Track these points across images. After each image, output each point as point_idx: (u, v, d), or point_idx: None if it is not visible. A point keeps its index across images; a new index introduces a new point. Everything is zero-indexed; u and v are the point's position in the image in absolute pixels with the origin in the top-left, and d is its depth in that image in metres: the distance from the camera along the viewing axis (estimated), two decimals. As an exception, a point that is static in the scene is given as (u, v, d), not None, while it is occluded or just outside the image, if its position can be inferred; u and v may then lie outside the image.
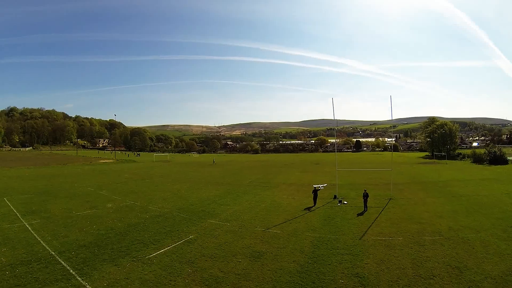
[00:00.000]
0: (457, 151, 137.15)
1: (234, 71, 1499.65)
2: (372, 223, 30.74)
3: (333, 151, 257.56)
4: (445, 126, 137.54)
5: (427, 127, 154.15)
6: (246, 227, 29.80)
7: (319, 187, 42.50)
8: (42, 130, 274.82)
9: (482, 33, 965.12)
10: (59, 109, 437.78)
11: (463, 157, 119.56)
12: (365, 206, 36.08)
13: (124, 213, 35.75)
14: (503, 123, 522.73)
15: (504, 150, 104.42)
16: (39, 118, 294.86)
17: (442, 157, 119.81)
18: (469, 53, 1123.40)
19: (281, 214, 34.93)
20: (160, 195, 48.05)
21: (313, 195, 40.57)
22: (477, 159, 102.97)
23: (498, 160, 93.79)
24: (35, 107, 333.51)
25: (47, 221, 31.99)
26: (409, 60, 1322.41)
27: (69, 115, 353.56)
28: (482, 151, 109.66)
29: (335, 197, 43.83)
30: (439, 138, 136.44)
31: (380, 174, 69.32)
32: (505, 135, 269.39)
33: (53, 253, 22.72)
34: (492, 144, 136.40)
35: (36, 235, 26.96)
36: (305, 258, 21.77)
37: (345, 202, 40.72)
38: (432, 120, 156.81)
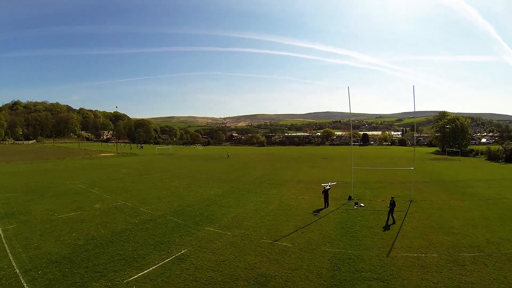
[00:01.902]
0: (468, 147, 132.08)
1: (240, 63, 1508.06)
2: (398, 233, 26.35)
3: (340, 144, 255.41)
4: (457, 121, 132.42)
5: (437, 121, 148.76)
6: (250, 238, 25.33)
7: (327, 186, 37.92)
8: (46, 123, 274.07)
9: (491, 28, 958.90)
10: (65, 102, 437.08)
11: (476, 153, 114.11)
12: (390, 216, 29.75)
13: (111, 217, 31.56)
14: (510, 120, 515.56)
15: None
16: (43, 111, 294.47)
17: (454, 153, 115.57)
18: (477, 48, 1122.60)
19: (291, 220, 30.47)
20: (155, 194, 43.77)
21: (323, 195, 36.27)
22: (492, 157, 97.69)
23: None
24: (40, 100, 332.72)
25: (23, 226, 28.21)
26: (416, 54, 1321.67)
27: (74, 107, 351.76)
28: (497, 147, 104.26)
29: (350, 198, 39.42)
30: (450, 133, 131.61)
31: (394, 171, 64.83)
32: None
33: (17, 270, 18.98)
34: (508, 141, 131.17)
35: (6, 245, 23.25)
36: (323, 286, 17.37)
37: (362, 205, 36.29)
38: (442, 114, 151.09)
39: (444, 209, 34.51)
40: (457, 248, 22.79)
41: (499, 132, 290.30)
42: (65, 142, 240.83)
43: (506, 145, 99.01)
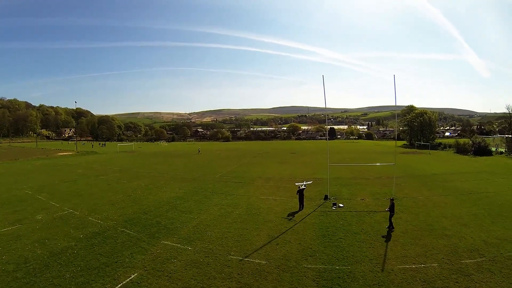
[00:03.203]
0: (436, 140, 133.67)
1: (205, 58, 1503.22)
2: (388, 239, 23.03)
3: (306, 138, 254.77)
4: (425, 115, 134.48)
5: (405, 115, 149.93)
6: (215, 253, 21.04)
7: (302, 185, 34.19)
8: (3, 121, 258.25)
9: (453, 28, 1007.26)
10: (25, 99, 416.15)
11: (444, 147, 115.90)
12: (391, 223, 25.53)
13: (53, 230, 26.49)
14: (470, 114, 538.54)
15: (487, 140, 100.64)
16: (0, 108, 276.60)
17: (422, 147, 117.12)
18: (440, 46, 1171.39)
19: (262, 227, 26.41)
20: (109, 199, 38.64)
21: (298, 196, 32.47)
22: (461, 150, 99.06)
23: (482, 151, 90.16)
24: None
25: None
26: (382, 51, 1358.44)
27: (33, 104, 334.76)
28: (465, 141, 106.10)
29: (326, 197, 36.00)
30: (418, 127, 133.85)
31: (368, 167, 62.05)
32: (476, 126, 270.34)
33: None
34: (476, 134, 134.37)
35: None
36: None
37: (341, 205, 32.83)
38: (410, 108, 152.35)
39: (429, 207, 32.07)
40: (456, 253, 20.21)
41: (461, 126, 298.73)
42: (23, 142, 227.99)
43: (474, 138, 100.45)
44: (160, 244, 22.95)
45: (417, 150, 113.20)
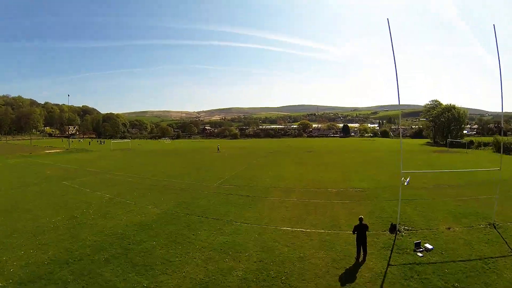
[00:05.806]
0: (465, 138, 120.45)
1: (215, 56, 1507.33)
2: None
3: (318, 136, 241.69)
4: (453, 110, 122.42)
5: (429, 111, 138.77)
6: None
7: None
8: (5, 119, 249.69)
9: (463, 22, 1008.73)
10: (35, 98, 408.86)
11: (479, 145, 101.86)
12: None
13: None
14: (481, 113, 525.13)
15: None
16: (3, 105, 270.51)
17: (451, 145, 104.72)
18: (453, 42, 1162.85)
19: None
20: (39, 222, 24.49)
21: (355, 235, 17.61)
22: (502, 149, 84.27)
23: None
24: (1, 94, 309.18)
25: None
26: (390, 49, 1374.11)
27: (39, 102, 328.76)
28: (509, 139, 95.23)
29: (393, 228, 21.22)
30: (445, 123, 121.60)
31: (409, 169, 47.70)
32: (493, 124, 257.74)
33: None
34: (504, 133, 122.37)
35: None
36: None
37: (430, 247, 18.19)
38: (435, 103, 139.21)
39: None
40: None
41: (476, 124, 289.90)
42: (23, 139, 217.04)
43: None
44: None
45: (448, 148, 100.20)
